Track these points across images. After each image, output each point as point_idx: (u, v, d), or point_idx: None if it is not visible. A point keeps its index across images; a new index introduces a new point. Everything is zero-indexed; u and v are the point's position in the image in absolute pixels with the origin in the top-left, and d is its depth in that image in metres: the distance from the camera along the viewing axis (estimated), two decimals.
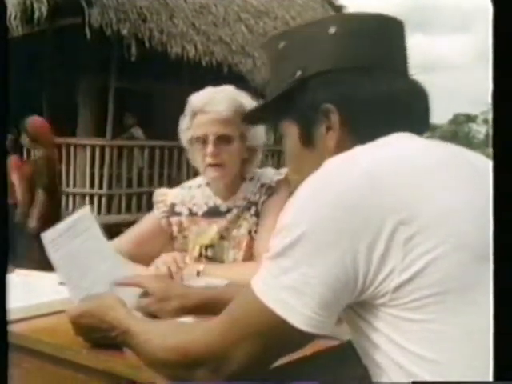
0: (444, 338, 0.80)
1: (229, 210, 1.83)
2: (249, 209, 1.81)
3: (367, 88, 0.95)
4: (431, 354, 0.80)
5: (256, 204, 1.81)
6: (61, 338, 1.21)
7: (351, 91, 0.95)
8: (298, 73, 0.99)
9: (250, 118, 1.18)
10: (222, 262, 1.81)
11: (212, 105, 1.73)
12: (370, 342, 0.86)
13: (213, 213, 1.85)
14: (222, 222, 1.83)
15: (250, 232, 1.80)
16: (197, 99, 1.77)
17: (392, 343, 0.83)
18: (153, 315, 1.25)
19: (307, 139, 1.00)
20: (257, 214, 1.80)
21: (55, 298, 1.40)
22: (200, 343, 0.91)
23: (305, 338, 0.86)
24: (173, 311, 1.25)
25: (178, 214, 1.89)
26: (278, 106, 1.04)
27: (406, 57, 1.03)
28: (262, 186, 1.82)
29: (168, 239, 1.91)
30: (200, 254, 1.83)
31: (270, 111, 1.09)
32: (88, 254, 1.29)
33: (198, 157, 1.78)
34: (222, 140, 1.74)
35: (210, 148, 1.73)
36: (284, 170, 1.85)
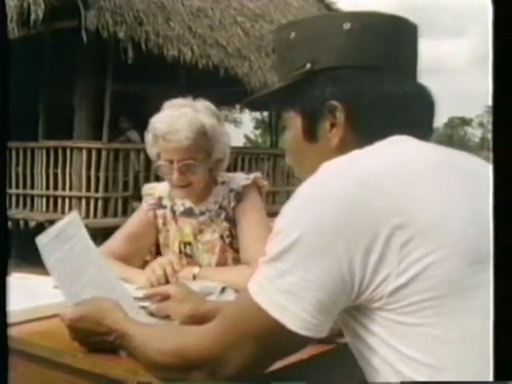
0: (440, 342, 0.80)
1: (202, 213, 1.89)
2: (219, 214, 1.86)
3: (375, 88, 0.94)
4: (427, 357, 0.80)
5: (226, 209, 1.86)
6: (57, 341, 1.21)
7: (359, 90, 0.95)
8: (308, 65, 0.98)
9: (255, 103, 1.17)
10: (198, 263, 1.87)
11: (173, 134, 1.74)
12: (365, 345, 0.86)
13: (188, 213, 1.91)
14: (195, 224, 1.89)
15: (222, 237, 1.85)
16: (158, 126, 1.78)
17: (388, 347, 0.83)
18: (164, 318, 1.30)
19: (310, 133, 1.00)
20: (227, 219, 1.85)
21: (52, 301, 1.39)
22: (196, 346, 0.91)
23: (301, 341, 0.86)
24: (186, 313, 1.27)
25: (164, 207, 1.95)
26: (283, 96, 1.03)
27: (416, 60, 1.02)
28: (231, 191, 1.87)
29: (156, 232, 1.96)
30: (180, 251, 1.90)
31: (275, 100, 1.08)
32: (77, 258, 1.29)
33: (165, 174, 1.82)
34: (187, 164, 1.77)
35: (175, 175, 1.77)
36: (252, 176, 1.90)
